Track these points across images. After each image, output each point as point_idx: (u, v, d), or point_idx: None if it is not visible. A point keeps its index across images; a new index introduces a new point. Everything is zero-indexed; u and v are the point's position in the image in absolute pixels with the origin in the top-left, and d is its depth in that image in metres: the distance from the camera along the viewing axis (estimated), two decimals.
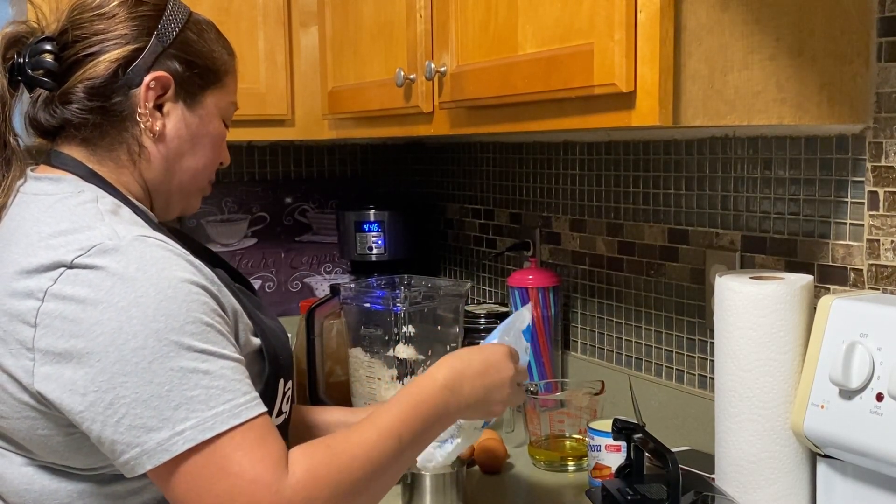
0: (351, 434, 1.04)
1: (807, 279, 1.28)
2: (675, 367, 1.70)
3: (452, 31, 1.51)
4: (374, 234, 2.36)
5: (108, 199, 1.06)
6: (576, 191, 1.94)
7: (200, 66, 1.14)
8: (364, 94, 1.84)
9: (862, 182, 1.33)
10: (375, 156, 2.58)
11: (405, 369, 1.80)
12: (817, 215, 1.40)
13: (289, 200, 2.49)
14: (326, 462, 0.99)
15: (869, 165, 1.32)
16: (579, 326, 1.96)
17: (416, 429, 1.08)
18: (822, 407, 1.19)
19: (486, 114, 1.48)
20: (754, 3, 1.17)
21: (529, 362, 1.59)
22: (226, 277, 1.10)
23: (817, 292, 1.36)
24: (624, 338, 1.83)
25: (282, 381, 1.14)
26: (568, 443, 1.65)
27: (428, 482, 1.39)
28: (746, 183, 1.52)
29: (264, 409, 0.99)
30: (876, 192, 1.31)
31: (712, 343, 1.38)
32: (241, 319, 1.08)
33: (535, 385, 1.75)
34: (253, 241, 2.45)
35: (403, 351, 1.80)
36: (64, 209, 1.03)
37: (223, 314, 1.02)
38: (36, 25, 1.14)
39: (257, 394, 1.00)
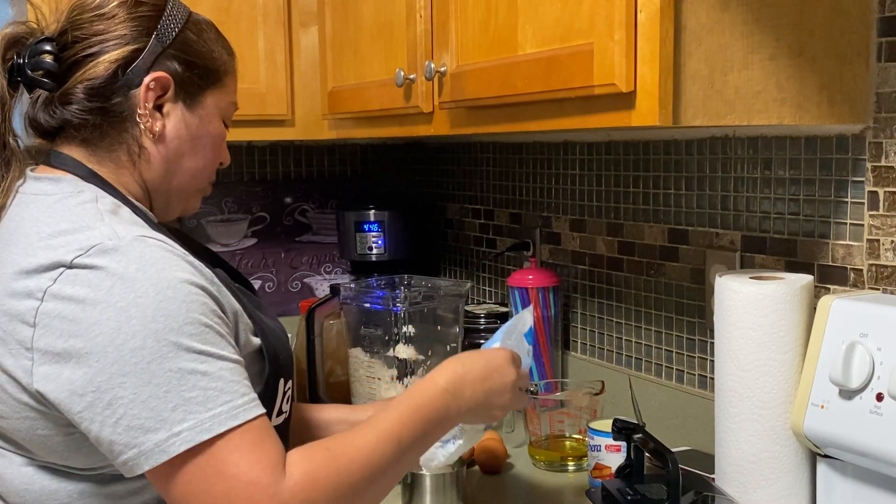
0: (350, 437, 1.04)
1: (807, 279, 1.28)
2: (675, 367, 1.70)
3: (452, 31, 1.51)
4: (374, 234, 2.36)
5: (107, 199, 1.06)
6: (576, 191, 1.94)
7: (200, 67, 1.14)
8: (364, 94, 1.84)
9: (862, 182, 1.33)
10: (375, 156, 2.58)
11: (405, 369, 1.80)
12: (817, 215, 1.40)
13: (289, 200, 2.49)
14: (325, 465, 0.99)
15: (869, 165, 1.32)
16: (579, 326, 1.96)
17: (415, 432, 1.08)
18: (822, 407, 1.19)
19: (486, 114, 1.48)
20: (754, 3, 1.17)
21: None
22: (225, 277, 1.10)
23: (817, 292, 1.36)
24: (624, 338, 1.83)
25: (282, 380, 1.13)
26: (568, 443, 1.65)
27: (428, 482, 1.39)
28: (746, 183, 1.52)
29: (262, 410, 0.99)
30: (876, 192, 1.31)
31: (712, 343, 1.38)
32: (241, 319, 1.08)
33: (535, 385, 1.75)
34: (253, 241, 2.45)
35: (403, 351, 1.80)
36: (63, 209, 1.03)
37: (222, 315, 1.02)
38: (36, 26, 1.14)
39: (256, 395, 1.00)
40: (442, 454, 1.27)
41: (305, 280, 2.52)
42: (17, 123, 1.14)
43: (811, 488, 1.27)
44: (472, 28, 1.46)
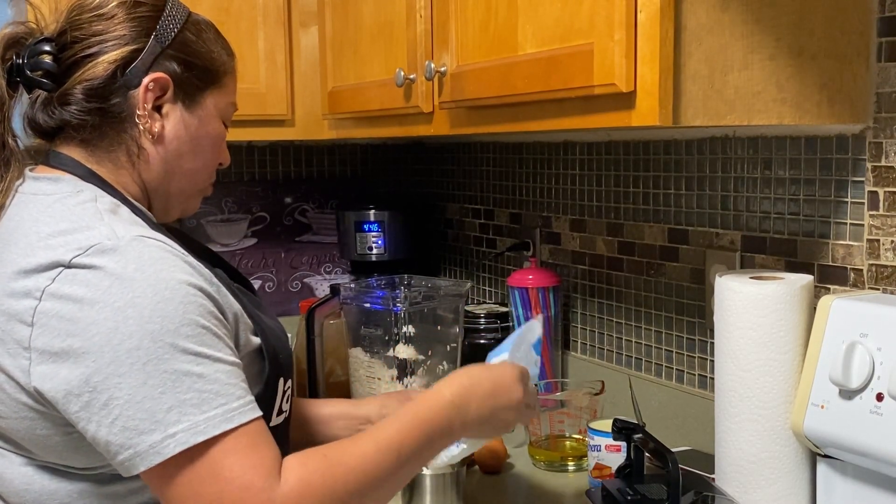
0: (349, 445, 1.03)
1: (807, 279, 1.28)
2: (675, 367, 1.70)
3: (452, 31, 1.51)
4: (374, 234, 2.36)
5: (106, 199, 1.06)
6: (576, 191, 1.94)
7: (199, 67, 1.14)
8: (364, 94, 1.84)
9: (862, 182, 1.33)
10: (375, 156, 2.58)
11: (405, 369, 1.80)
12: (817, 215, 1.40)
13: (289, 200, 2.49)
14: (321, 472, 0.98)
15: (869, 165, 1.32)
16: (579, 326, 1.96)
17: (416, 445, 1.07)
18: (822, 407, 1.19)
19: (486, 114, 1.48)
20: (754, 3, 1.17)
21: None
22: (225, 277, 1.10)
23: (817, 292, 1.36)
24: (624, 338, 1.83)
25: (281, 380, 1.13)
26: (568, 443, 1.65)
27: (428, 482, 1.39)
28: (746, 183, 1.52)
29: (258, 413, 0.99)
30: (876, 192, 1.31)
31: (712, 343, 1.38)
32: (240, 319, 1.08)
33: (535, 385, 1.74)
34: (253, 241, 2.45)
35: (403, 351, 1.80)
36: (63, 209, 1.03)
37: (220, 316, 1.02)
38: (35, 26, 1.14)
39: (252, 398, 0.99)
40: (445, 456, 1.27)
41: (305, 280, 2.52)
42: (17, 123, 1.14)
43: (811, 488, 1.27)
44: (472, 28, 1.46)
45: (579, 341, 1.96)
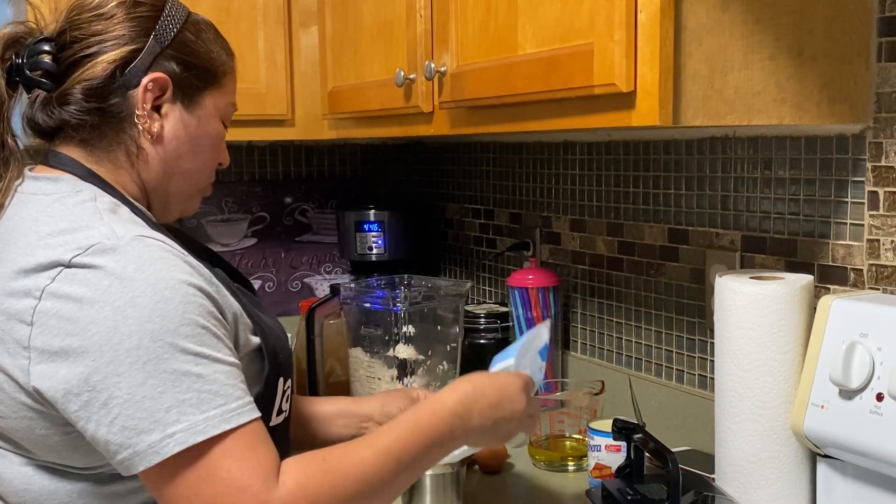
0: (348, 449, 1.03)
1: (807, 279, 1.27)
2: (675, 367, 1.70)
3: (452, 31, 1.51)
4: (374, 234, 2.36)
5: (106, 199, 1.06)
6: (576, 191, 1.94)
7: (198, 67, 1.14)
8: (364, 94, 1.84)
9: (862, 182, 1.33)
10: (375, 156, 2.58)
11: (405, 369, 1.80)
12: (817, 215, 1.40)
13: (289, 200, 2.49)
14: (319, 476, 0.98)
15: (869, 165, 1.32)
16: (579, 326, 1.96)
17: (416, 452, 1.06)
18: (822, 407, 1.19)
19: (486, 114, 1.48)
20: (754, 3, 1.17)
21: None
22: (225, 277, 1.10)
23: (817, 292, 1.36)
24: (624, 338, 1.83)
25: (281, 379, 1.13)
26: (568, 443, 1.65)
27: (428, 482, 1.39)
28: (746, 183, 1.52)
29: (257, 414, 0.98)
30: (876, 192, 1.31)
31: (712, 343, 1.38)
32: (240, 319, 1.08)
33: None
34: (253, 241, 2.45)
35: (403, 351, 1.80)
36: (62, 209, 1.03)
37: (220, 317, 1.02)
38: (34, 26, 1.14)
39: (251, 399, 0.99)
40: (446, 455, 1.27)
41: (305, 280, 2.52)
42: (17, 123, 1.14)
43: (811, 488, 1.27)
44: (472, 28, 1.46)
45: (579, 341, 1.96)
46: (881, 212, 1.30)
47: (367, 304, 1.84)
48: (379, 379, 1.82)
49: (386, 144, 2.58)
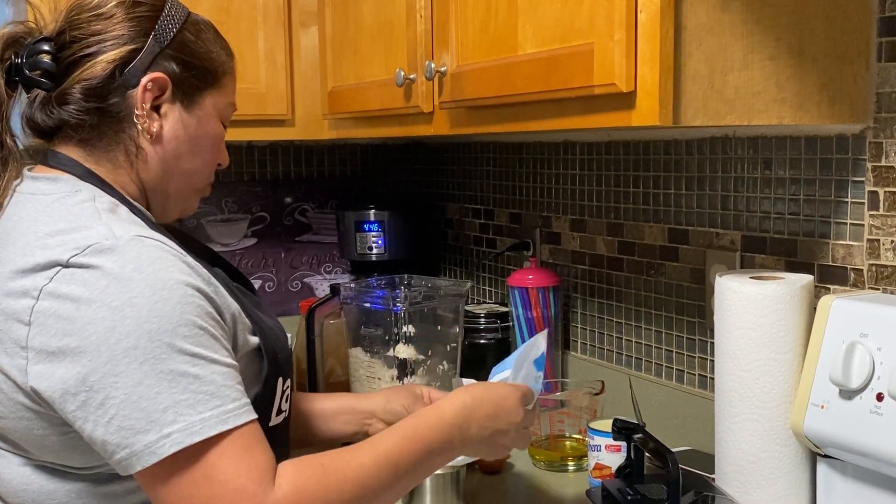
0: (346, 455, 1.03)
1: (807, 279, 1.27)
2: (675, 367, 1.70)
3: (452, 31, 1.51)
4: (374, 234, 2.36)
5: (105, 199, 1.06)
6: (576, 191, 1.94)
7: (198, 67, 1.14)
8: (364, 94, 1.84)
9: (862, 182, 1.33)
10: (375, 156, 2.58)
11: (405, 369, 1.80)
12: (817, 215, 1.40)
13: (289, 200, 2.49)
14: (316, 481, 0.97)
15: (869, 165, 1.32)
16: (579, 326, 1.96)
17: (414, 461, 1.06)
18: (822, 407, 1.19)
19: (486, 114, 1.48)
20: (754, 3, 1.17)
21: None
22: (224, 277, 1.10)
23: (817, 292, 1.36)
24: (624, 338, 1.83)
25: (280, 379, 1.13)
26: (568, 443, 1.65)
27: (428, 482, 1.39)
28: (746, 183, 1.52)
29: (253, 416, 0.98)
30: (876, 192, 1.31)
31: (712, 343, 1.38)
32: (239, 320, 1.07)
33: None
34: (253, 241, 2.45)
35: (403, 351, 1.80)
36: (61, 208, 1.03)
37: (218, 317, 1.02)
38: (34, 26, 1.14)
39: (248, 401, 0.99)
40: None
41: (305, 280, 2.52)
42: (16, 123, 1.14)
43: (811, 488, 1.27)
44: (472, 28, 1.46)
45: (579, 341, 1.96)
46: (881, 212, 1.30)
47: (367, 304, 1.84)
48: (379, 379, 1.82)
49: (386, 144, 2.58)
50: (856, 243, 1.34)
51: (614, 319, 1.85)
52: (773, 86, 1.20)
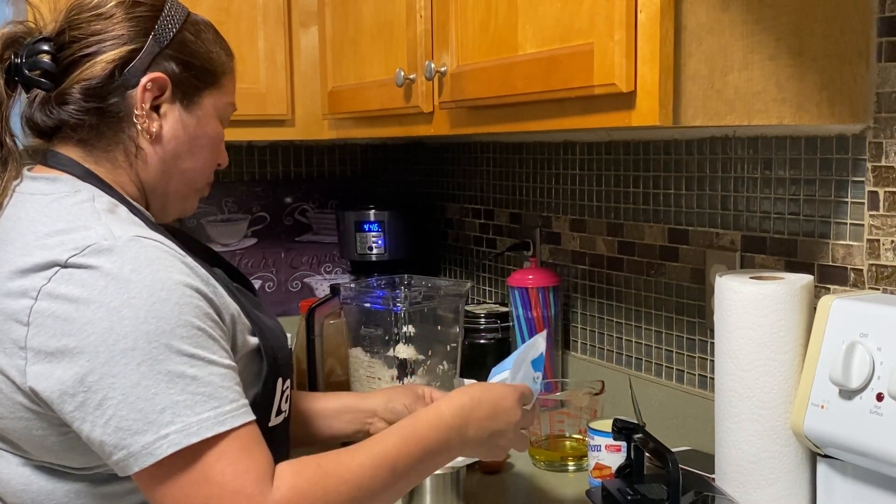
0: (344, 456, 1.03)
1: (807, 279, 1.27)
2: (675, 367, 1.70)
3: (452, 31, 1.51)
4: (374, 234, 2.36)
5: (104, 199, 1.06)
6: (576, 191, 1.94)
7: (198, 67, 1.14)
8: (364, 94, 1.84)
9: (862, 182, 1.33)
10: (375, 156, 2.58)
11: (405, 369, 1.80)
12: (817, 215, 1.40)
13: (289, 200, 2.49)
14: (314, 482, 0.97)
15: (869, 165, 1.32)
16: (579, 326, 1.96)
17: (412, 462, 1.06)
18: (822, 407, 1.19)
19: (486, 114, 1.48)
20: (754, 3, 1.17)
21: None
22: (224, 277, 1.10)
23: (817, 292, 1.36)
24: (624, 338, 1.83)
25: (280, 380, 1.13)
26: (568, 443, 1.65)
27: (428, 482, 1.39)
28: (746, 183, 1.52)
29: (251, 418, 0.98)
30: (876, 192, 1.31)
31: (712, 343, 1.38)
32: (238, 320, 1.07)
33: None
34: (253, 241, 2.45)
35: (403, 351, 1.80)
36: (60, 209, 1.03)
37: (216, 318, 1.02)
38: (34, 25, 1.14)
39: (246, 402, 0.99)
40: None
41: (305, 280, 2.52)
42: (16, 123, 1.14)
43: (811, 488, 1.27)
44: (472, 28, 1.46)
45: (579, 341, 1.96)
46: (881, 212, 1.30)
47: (367, 304, 1.84)
48: (379, 379, 1.82)
49: (386, 144, 2.58)
50: (856, 243, 1.34)
51: (614, 319, 1.85)
52: (773, 86, 1.20)
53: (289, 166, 2.48)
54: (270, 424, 1.11)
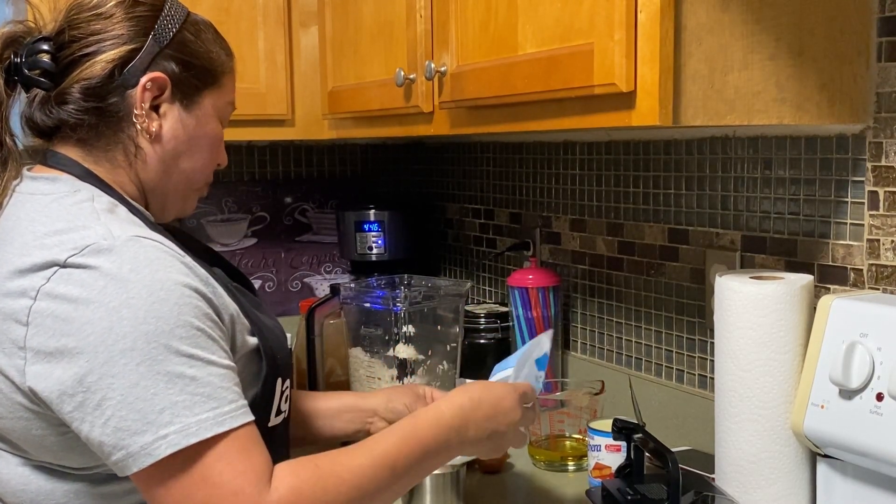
0: (343, 456, 1.02)
1: (807, 279, 1.27)
2: (675, 367, 1.70)
3: (452, 31, 1.51)
4: (374, 234, 2.36)
5: (104, 199, 1.06)
6: (576, 191, 1.94)
7: (197, 67, 1.14)
8: (364, 94, 1.84)
9: (862, 182, 1.33)
10: (375, 156, 2.58)
11: (405, 369, 1.80)
12: (817, 215, 1.40)
13: (289, 200, 2.49)
14: (312, 482, 0.97)
15: (869, 165, 1.32)
16: (579, 326, 1.96)
17: (411, 462, 1.06)
18: (822, 407, 1.19)
19: (486, 114, 1.48)
20: (754, 3, 1.17)
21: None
22: (223, 277, 1.10)
23: (817, 292, 1.36)
24: (624, 338, 1.83)
25: (280, 380, 1.13)
26: (568, 443, 1.65)
27: (428, 482, 1.39)
28: (746, 183, 1.52)
29: (250, 418, 0.98)
30: (876, 192, 1.31)
31: (712, 343, 1.38)
32: (237, 320, 1.07)
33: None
34: (253, 240, 2.45)
35: (403, 351, 1.80)
36: (60, 209, 1.03)
37: (216, 318, 1.01)
38: (33, 25, 1.14)
39: (245, 403, 0.99)
40: None
41: (305, 280, 2.52)
42: (15, 123, 1.14)
43: (811, 488, 1.27)
44: (472, 28, 1.46)
45: (579, 341, 1.96)
46: (881, 212, 1.30)
47: (367, 304, 1.84)
48: (379, 379, 1.82)
49: (386, 144, 2.58)
50: (856, 243, 1.34)
51: (614, 319, 1.85)
52: (773, 86, 1.20)
53: (289, 166, 2.48)
54: (270, 424, 1.11)
